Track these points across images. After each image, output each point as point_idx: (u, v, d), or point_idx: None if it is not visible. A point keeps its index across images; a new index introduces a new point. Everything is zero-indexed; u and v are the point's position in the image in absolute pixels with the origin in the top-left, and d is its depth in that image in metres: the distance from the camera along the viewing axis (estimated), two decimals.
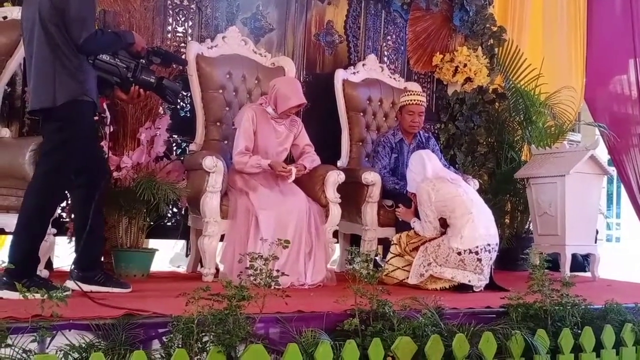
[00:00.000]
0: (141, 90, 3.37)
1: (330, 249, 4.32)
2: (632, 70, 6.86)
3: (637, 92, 6.80)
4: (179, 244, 5.51)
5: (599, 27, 7.13)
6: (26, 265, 3.08)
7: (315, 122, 5.07)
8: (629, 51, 6.85)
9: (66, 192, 3.53)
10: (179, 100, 4.53)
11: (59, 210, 4.01)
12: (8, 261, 3.05)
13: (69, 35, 3.09)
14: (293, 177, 4.24)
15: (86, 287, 3.16)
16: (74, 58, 3.11)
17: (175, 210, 4.79)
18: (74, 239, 3.52)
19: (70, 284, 3.15)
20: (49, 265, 3.92)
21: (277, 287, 2.60)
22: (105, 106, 4.19)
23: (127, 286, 3.37)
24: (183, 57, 4.48)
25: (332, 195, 4.36)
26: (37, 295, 2.37)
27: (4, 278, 3.02)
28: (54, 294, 2.32)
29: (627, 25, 6.85)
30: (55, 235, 3.79)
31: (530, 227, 5.75)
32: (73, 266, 3.29)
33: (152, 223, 4.23)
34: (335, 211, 4.35)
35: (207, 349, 2.34)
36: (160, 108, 4.26)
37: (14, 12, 4.08)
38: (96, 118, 3.42)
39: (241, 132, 4.32)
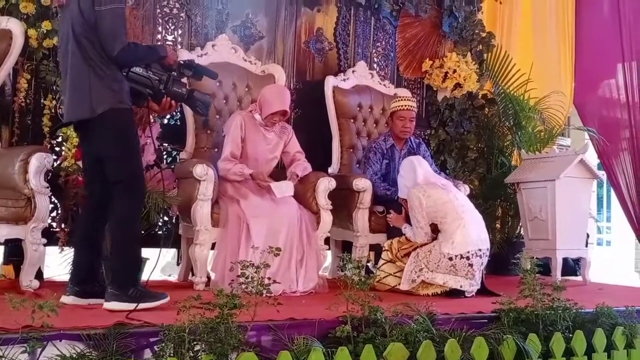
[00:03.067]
0: (172, 101, 3.41)
1: (321, 256, 4.31)
2: (621, 74, 6.89)
3: (625, 96, 6.83)
4: (170, 253, 5.50)
5: (587, 32, 7.17)
6: (127, 277, 3.13)
7: (305, 129, 5.07)
8: (617, 55, 6.89)
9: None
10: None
11: (49, 220, 3.99)
12: (110, 273, 3.16)
13: (103, 49, 3.13)
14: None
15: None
16: (107, 69, 3.16)
17: (166, 218, 4.78)
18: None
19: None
20: (39, 275, 3.90)
21: (268, 295, 2.60)
22: None
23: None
24: None
25: (323, 202, 4.36)
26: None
27: (111, 289, 3.06)
28: (44, 304, 2.31)
29: (615, 30, 6.89)
30: (45, 245, 3.77)
31: (521, 232, 5.77)
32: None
33: (142, 232, 4.21)
34: (327, 218, 4.36)
35: (199, 357, 2.34)
36: (151, 116, 4.25)
37: (3, 23, 4.07)
38: None
39: (229, 138, 4.32)
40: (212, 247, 4.12)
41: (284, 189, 4.23)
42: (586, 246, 5.47)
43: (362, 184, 4.62)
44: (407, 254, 4.21)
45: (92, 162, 3.33)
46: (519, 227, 6.00)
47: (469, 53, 6.14)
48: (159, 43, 4.89)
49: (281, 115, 4.41)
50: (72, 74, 3.20)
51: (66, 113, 3.32)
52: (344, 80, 5.42)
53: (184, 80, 3.54)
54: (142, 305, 2.94)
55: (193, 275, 4.19)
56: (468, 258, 4.03)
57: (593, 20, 7.17)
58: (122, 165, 3.21)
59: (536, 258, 3.73)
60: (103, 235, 3.47)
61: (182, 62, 3.51)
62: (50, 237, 4.01)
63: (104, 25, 3.11)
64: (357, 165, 5.28)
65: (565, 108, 6.62)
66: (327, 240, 4.60)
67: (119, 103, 3.18)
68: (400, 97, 5.19)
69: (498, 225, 6.11)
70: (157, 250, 3.39)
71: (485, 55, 6.33)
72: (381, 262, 4.36)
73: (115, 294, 3.03)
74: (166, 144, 4.81)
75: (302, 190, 4.40)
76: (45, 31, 4.19)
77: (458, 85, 6.02)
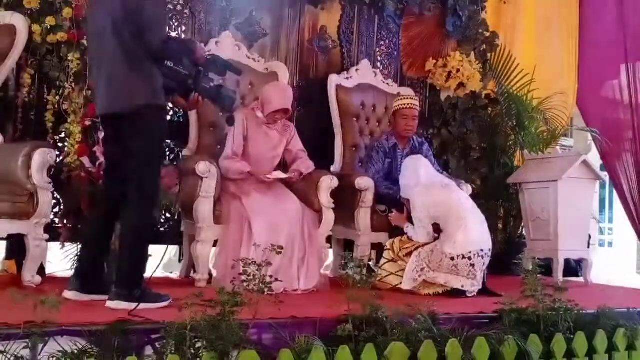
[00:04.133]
0: (200, 97, 3.37)
1: (323, 255, 4.32)
2: (624, 75, 6.87)
3: (629, 97, 6.82)
4: (172, 250, 5.51)
5: (591, 33, 7.16)
6: (133, 277, 3.10)
7: (308, 128, 5.08)
8: (620, 56, 6.88)
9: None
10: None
11: (51, 216, 3.99)
12: (116, 272, 3.14)
13: (142, 40, 3.08)
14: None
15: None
16: (146, 63, 3.12)
17: (168, 215, 4.78)
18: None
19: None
20: (41, 271, 3.90)
21: (270, 293, 2.60)
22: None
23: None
24: None
25: (325, 200, 4.36)
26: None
27: (115, 288, 3.05)
28: (46, 300, 2.31)
29: (618, 31, 6.88)
30: (47, 241, 3.78)
31: (523, 232, 5.77)
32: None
33: None
34: (329, 216, 4.36)
35: (200, 355, 2.34)
36: None
37: (7, 18, 4.08)
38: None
39: (231, 136, 4.32)
40: (214, 245, 4.13)
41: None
42: (588, 247, 5.47)
43: (365, 182, 4.62)
44: (409, 254, 4.21)
45: (117, 159, 3.30)
46: (521, 228, 6.00)
47: (472, 53, 6.13)
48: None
49: (283, 114, 4.41)
50: (108, 65, 3.14)
51: (101, 106, 3.25)
52: (347, 78, 5.42)
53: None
54: (143, 306, 2.93)
55: (195, 272, 4.18)
56: (470, 258, 4.03)
57: (597, 21, 7.16)
58: (143, 164, 3.17)
59: (538, 259, 3.72)
60: (112, 233, 3.46)
61: (208, 57, 3.46)
62: (52, 232, 4.01)
63: (146, 16, 3.07)
64: (360, 164, 5.27)
65: (568, 109, 6.62)
66: (329, 239, 4.60)
67: (156, 99, 3.15)
68: (403, 95, 5.19)
69: (500, 226, 6.11)
70: (159, 247, 3.37)
71: (488, 55, 6.32)
72: (383, 261, 4.36)
73: (120, 294, 3.02)
74: (169, 141, 4.81)
75: (304, 189, 4.40)
76: (49, 27, 4.19)
77: (461, 85, 6.02)
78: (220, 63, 3.50)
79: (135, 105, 3.09)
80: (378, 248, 4.86)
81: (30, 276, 3.66)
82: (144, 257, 3.25)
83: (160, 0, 3.16)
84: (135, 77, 3.10)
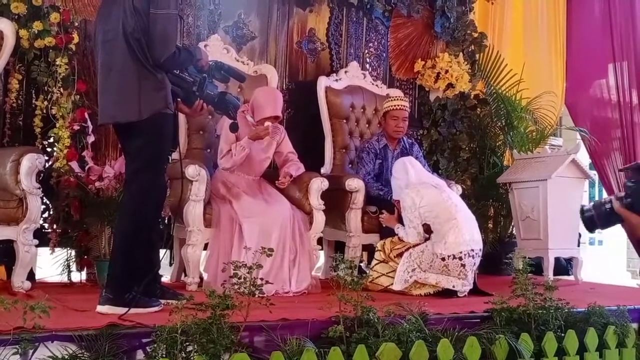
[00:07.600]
0: (204, 104, 3.35)
1: (314, 256, 4.32)
2: (612, 74, 6.91)
3: (617, 96, 6.85)
4: (163, 253, 5.49)
5: (578, 32, 7.19)
6: (123, 282, 3.06)
7: (298, 129, 5.08)
8: (608, 56, 6.91)
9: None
10: None
11: (40, 221, 3.98)
12: (107, 276, 3.11)
13: (150, 52, 3.06)
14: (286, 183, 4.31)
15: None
16: (157, 72, 3.10)
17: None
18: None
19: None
20: (31, 276, 3.89)
21: (261, 295, 2.60)
22: (86, 116, 4.19)
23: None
24: None
25: (316, 202, 4.36)
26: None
27: (106, 293, 3.03)
28: (36, 306, 2.30)
29: (606, 30, 6.91)
30: (37, 246, 3.76)
31: (514, 232, 5.78)
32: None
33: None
34: (319, 218, 4.36)
35: (191, 358, 2.34)
36: None
37: None
38: None
39: (223, 137, 4.32)
40: (205, 248, 4.12)
41: None
42: (578, 246, 5.48)
43: (355, 184, 4.63)
44: (400, 254, 4.22)
45: None
46: (511, 227, 6.01)
47: (461, 53, 6.14)
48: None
49: (274, 119, 4.41)
50: (120, 74, 3.09)
51: (109, 112, 3.18)
52: (337, 80, 5.42)
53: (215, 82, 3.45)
54: (133, 311, 2.90)
55: (185, 275, 4.18)
56: (460, 258, 4.04)
57: (584, 20, 7.19)
58: (145, 169, 3.15)
59: (528, 258, 3.73)
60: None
61: (212, 64, 3.44)
62: (41, 238, 4.00)
63: (156, 29, 3.05)
64: (350, 166, 5.28)
65: (556, 108, 6.64)
66: (319, 241, 4.59)
67: (165, 108, 3.12)
68: (393, 97, 5.20)
69: (490, 225, 6.12)
70: None
71: (477, 55, 6.34)
72: (374, 262, 4.36)
73: (110, 298, 3.00)
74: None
75: (294, 190, 4.40)
76: (36, 32, 4.17)
77: (450, 86, 6.03)
78: (224, 69, 3.49)
79: (148, 116, 3.06)
80: (369, 249, 4.87)
81: (19, 282, 3.65)
82: (136, 261, 3.19)
83: (172, 17, 3.12)
84: (146, 86, 3.07)
